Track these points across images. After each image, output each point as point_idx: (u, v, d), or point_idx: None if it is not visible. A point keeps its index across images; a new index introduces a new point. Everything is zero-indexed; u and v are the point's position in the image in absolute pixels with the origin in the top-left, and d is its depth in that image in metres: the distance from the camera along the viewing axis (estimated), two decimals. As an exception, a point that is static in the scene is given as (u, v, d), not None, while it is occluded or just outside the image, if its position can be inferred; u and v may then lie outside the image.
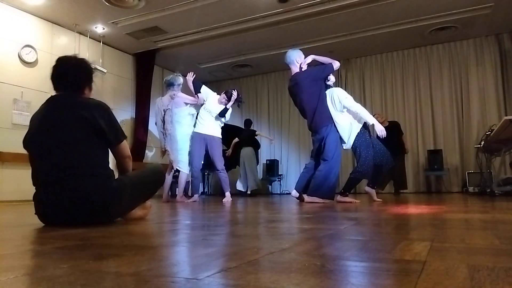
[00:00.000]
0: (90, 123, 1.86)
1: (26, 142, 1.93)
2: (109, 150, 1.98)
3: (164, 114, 5.01)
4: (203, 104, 4.98)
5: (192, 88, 4.97)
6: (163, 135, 5.03)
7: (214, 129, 4.89)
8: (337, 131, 4.03)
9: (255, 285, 0.68)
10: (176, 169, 4.95)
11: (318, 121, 3.99)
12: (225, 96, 4.94)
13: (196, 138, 4.88)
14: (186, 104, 5.01)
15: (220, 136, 4.97)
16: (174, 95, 4.92)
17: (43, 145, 1.88)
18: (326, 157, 3.92)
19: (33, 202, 1.90)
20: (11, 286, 0.71)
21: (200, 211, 3.14)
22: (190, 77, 4.99)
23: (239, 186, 7.18)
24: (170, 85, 4.99)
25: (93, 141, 1.87)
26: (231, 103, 4.89)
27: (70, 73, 1.98)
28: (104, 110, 1.95)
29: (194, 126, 5.04)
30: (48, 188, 1.83)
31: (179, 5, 5.51)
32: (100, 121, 1.87)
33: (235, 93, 4.92)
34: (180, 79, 5.07)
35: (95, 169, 1.85)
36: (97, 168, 1.87)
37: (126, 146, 2.03)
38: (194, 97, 5.01)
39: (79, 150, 1.84)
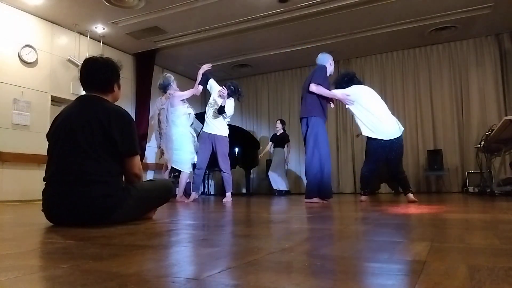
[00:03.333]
0: (105, 129, 1.86)
1: (49, 135, 1.98)
2: (122, 158, 1.97)
3: (159, 113, 5.02)
4: (208, 100, 4.95)
5: (199, 77, 4.84)
6: (159, 134, 5.06)
7: (219, 128, 4.82)
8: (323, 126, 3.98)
9: (255, 285, 0.68)
10: (177, 169, 4.96)
11: (308, 107, 4.00)
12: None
13: (203, 137, 4.88)
14: (184, 102, 4.98)
15: (226, 135, 4.86)
16: (170, 94, 4.92)
17: (58, 144, 1.91)
18: (305, 150, 3.93)
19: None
20: (11, 286, 0.71)
21: (201, 211, 3.14)
22: (207, 66, 4.84)
23: (282, 186, 7.23)
24: (166, 86, 4.97)
25: (106, 147, 1.87)
26: (224, 100, 4.72)
27: (98, 73, 2.00)
28: (124, 120, 1.94)
29: (192, 125, 5.06)
30: (54, 188, 1.85)
31: (179, 5, 5.51)
32: (114, 130, 1.87)
33: (224, 91, 4.74)
34: (172, 76, 5.06)
35: (103, 175, 1.86)
36: (106, 175, 1.87)
37: (135, 162, 1.99)
38: (193, 88, 4.90)
39: (90, 155, 1.84)
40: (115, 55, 6.93)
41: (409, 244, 1.14)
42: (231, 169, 4.96)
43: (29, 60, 5.52)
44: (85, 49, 6.30)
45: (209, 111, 4.87)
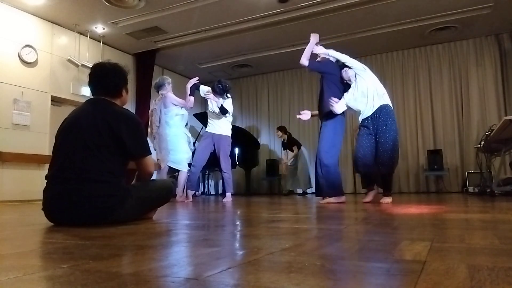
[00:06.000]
0: (113, 131, 1.90)
1: (57, 134, 2.02)
2: (126, 160, 2.02)
3: (151, 114, 5.02)
4: (208, 106, 4.97)
5: (188, 91, 4.84)
6: (151, 134, 5.08)
7: (222, 127, 4.86)
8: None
9: (255, 285, 0.68)
10: (176, 169, 4.96)
11: None
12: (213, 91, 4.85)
13: (205, 136, 4.93)
14: (176, 105, 4.97)
15: (229, 135, 4.88)
16: (162, 95, 4.92)
17: (64, 142, 1.93)
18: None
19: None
20: (11, 286, 0.71)
21: (200, 211, 3.14)
22: (193, 80, 4.87)
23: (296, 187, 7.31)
24: (160, 86, 4.96)
25: (112, 148, 1.90)
26: (217, 101, 4.75)
27: (106, 79, 2.05)
28: (133, 123, 2.00)
29: (187, 125, 5.08)
30: (55, 187, 1.86)
31: (179, 5, 5.51)
32: (123, 133, 1.91)
33: (210, 95, 4.80)
34: (169, 78, 5.07)
35: (104, 175, 1.87)
36: (107, 174, 1.88)
37: (148, 163, 2.05)
38: (185, 99, 4.90)
39: (95, 154, 1.87)
40: (115, 55, 6.93)
41: (409, 244, 1.14)
42: (231, 169, 4.97)
43: (29, 60, 5.52)
44: (85, 49, 6.31)
45: (209, 113, 4.93)
